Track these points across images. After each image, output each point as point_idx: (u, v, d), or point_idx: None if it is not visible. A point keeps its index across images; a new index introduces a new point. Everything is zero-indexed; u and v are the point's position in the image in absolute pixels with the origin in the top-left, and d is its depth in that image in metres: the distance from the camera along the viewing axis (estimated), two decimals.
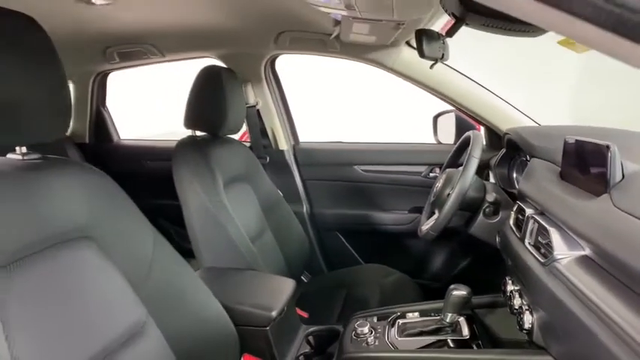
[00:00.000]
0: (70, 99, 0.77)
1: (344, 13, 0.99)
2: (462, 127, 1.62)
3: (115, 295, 0.80)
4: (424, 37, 0.86)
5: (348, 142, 1.87)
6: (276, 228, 1.55)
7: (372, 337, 0.99)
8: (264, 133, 1.82)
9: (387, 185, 1.75)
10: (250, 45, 1.61)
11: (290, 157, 1.82)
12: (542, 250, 0.81)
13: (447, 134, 1.68)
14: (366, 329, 1.01)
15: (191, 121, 1.35)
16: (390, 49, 1.48)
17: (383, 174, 1.75)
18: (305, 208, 1.84)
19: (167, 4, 1.29)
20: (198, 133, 1.40)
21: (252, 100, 1.73)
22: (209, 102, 1.33)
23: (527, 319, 0.84)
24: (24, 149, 0.77)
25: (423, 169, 1.71)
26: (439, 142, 1.71)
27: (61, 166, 0.79)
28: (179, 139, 1.37)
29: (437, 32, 0.87)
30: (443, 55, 0.93)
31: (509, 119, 1.49)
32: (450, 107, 1.62)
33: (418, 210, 1.71)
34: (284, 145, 1.81)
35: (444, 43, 0.91)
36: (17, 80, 0.66)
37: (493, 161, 1.45)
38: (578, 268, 0.69)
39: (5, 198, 0.67)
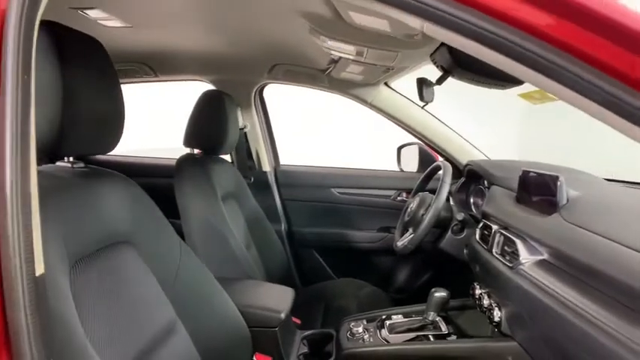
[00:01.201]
0: (124, 116, 0.84)
1: (350, 57, 1.17)
2: (424, 157, 1.88)
3: (152, 295, 0.87)
4: (423, 85, 1.07)
5: (325, 166, 2.03)
6: (258, 244, 1.65)
7: (367, 336, 1.14)
8: (249, 154, 1.93)
9: (360, 207, 1.94)
10: (245, 73, 1.75)
11: (271, 178, 1.95)
12: (508, 257, 1.02)
13: (410, 164, 1.93)
14: (360, 329, 1.15)
15: (192, 139, 1.44)
16: (371, 88, 1.70)
17: (356, 196, 1.93)
18: (283, 226, 1.95)
19: (171, 29, 1.35)
20: (196, 151, 1.48)
21: (240, 124, 1.85)
22: (211, 124, 1.43)
23: (497, 314, 1.04)
24: (71, 158, 0.83)
25: (391, 192, 1.93)
26: (402, 170, 1.95)
27: (106, 176, 0.86)
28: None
29: (430, 80, 1.08)
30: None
31: (466, 152, 1.77)
32: (413, 140, 1.87)
33: (386, 229, 1.91)
34: (267, 166, 1.94)
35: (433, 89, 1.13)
36: (83, 96, 0.71)
37: (453, 188, 1.69)
38: (538, 268, 0.90)
39: (68, 203, 0.73)
